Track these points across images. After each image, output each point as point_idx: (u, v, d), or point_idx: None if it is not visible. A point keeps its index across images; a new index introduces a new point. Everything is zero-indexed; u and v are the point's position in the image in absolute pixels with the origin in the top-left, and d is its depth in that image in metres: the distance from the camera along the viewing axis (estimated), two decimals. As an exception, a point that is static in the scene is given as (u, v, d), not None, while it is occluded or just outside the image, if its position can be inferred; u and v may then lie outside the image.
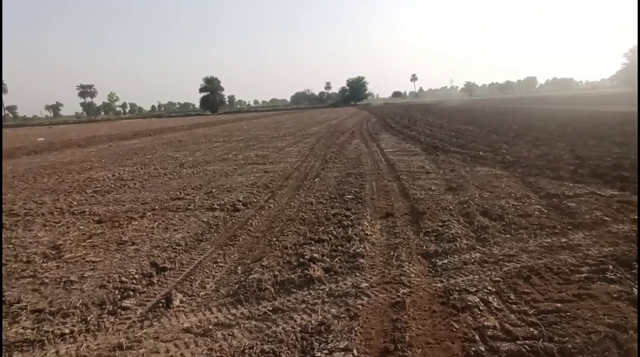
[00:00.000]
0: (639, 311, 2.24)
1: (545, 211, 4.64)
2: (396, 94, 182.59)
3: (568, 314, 2.51)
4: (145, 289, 3.27)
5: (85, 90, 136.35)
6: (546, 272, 3.14)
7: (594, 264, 3.20)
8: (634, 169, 6.31)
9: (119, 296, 3.15)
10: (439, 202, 5.20)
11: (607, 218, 4.23)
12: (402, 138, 13.69)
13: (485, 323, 2.46)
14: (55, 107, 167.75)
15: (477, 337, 2.33)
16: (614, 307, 2.55)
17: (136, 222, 5.15)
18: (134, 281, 3.41)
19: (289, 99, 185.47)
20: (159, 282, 3.38)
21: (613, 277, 2.95)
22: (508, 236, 3.96)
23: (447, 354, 2.21)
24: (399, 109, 48.83)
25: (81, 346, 2.52)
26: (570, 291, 2.82)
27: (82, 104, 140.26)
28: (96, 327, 2.73)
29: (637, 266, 3.09)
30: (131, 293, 3.18)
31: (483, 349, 2.22)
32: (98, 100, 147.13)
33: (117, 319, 2.82)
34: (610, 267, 3.10)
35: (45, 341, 2.58)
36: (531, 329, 2.38)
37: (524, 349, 2.18)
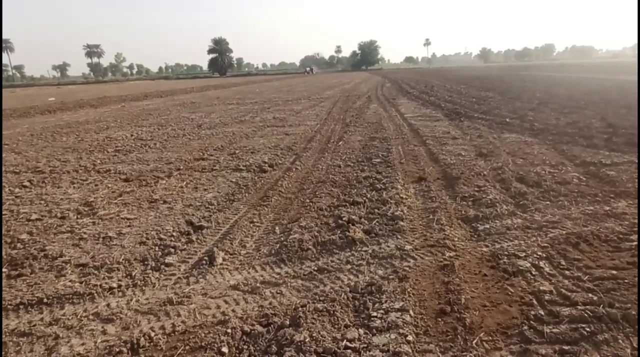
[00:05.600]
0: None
1: (584, 178, 4.51)
2: (408, 60, 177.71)
3: (626, 281, 2.45)
4: (185, 246, 3.26)
5: (92, 50, 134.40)
6: (594, 239, 3.06)
7: (643, 233, 3.11)
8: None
9: (160, 253, 3.15)
10: (471, 168, 5.08)
11: (650, 187, 4.09)
12: (422, 103, 13.35)
13: (541, 288, 2.40)
14: (62, 67, 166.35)
15: (534, 302, 2.28)
16: (673, 276, 2.48)
17: (164, 181, 5.12)
18: (173, 238, 3.40)
19: (298, 63, 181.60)
20: (198, 240, 3.36)
21: (668, 246, 2.86)
22: (548, 202, 3.86)
23: (506, 317, 2.18)
24: (413, 74, 47.59)
25: (131, 299, 2.53)
26: (623, 259, 2.74)
27: (89, 65, 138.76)
28: (143, 282, 2.73)
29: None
30: (172, 250, 3.17)
31: (542, 313, 2.18)
32: (105, 61, 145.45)
33: (162, 275, 2.82)
34: (664, 236, 3.01)
35: (95, 294, 2.59)
36: (589, 294, 2.32)
37: (585, 315, 2.13)
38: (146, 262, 3.01)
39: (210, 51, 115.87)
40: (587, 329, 2.03)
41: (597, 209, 3.64)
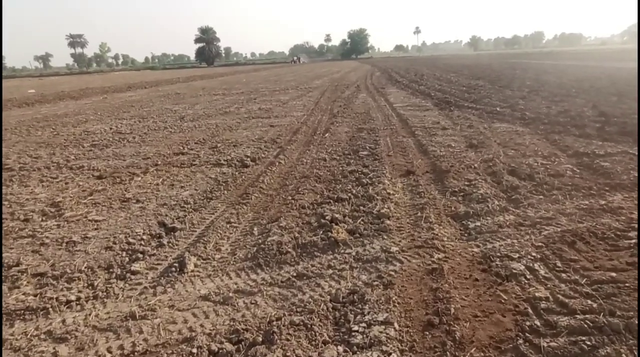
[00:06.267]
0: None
1: (577, 170, 4.35)
2: (398, 48, 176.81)
3: (626, 285, 2.28)
4: (155, 251, 3.01)
5: (75, 40, 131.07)
6: (590, 237, 2.89)
7: (641, 229, 2.95)
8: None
9: (127, 259, 2.90)
10: (461, 160, 4.88)
11: (646, 179, 3.94)
12: (411, 92, 13.11)
13: (536, 294, 2.22)
14: (44, 58, 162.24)
15: (529, 310, 2.10)
16: (676, 278, 2.32)
17: (139, 178, 4.84)
18: (142, 242, 3.15)
19: (287, 52, 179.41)
20: (170, 244, 3.12)
21: (668, 243, 2.70)
22: (541, 197, 3.68)
23: (499, 329, 1.99)
24: (403, 62, 47.21)
25: (89, 314, 2.29)
26: (622, 259, 2.58)
27: (72, 55, 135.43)
28: (105, 293, 2.49)
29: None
30: (140, 256, 2.93)
31: (539, 323, 1.99)
32: (89, 51, 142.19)
33: (127, 285, 2.59)
34: (663, 232, 2.85)
35: (50, 309, 2.34)
36: (588, 301, 2.14)
37: (585, 325, 1.95)
38: (111, 270, 2.77)
39: (197, 40, 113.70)
40: (588, 342, 1.84)
41: (592, 204, 3.47)
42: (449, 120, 7.65)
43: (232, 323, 2.15)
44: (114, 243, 3.15)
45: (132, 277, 2.67)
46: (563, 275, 2.42)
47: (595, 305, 2.10)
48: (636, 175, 4.04)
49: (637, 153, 4.77)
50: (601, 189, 3.78)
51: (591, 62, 26.55)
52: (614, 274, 2.39)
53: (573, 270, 2.47)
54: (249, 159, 5.43)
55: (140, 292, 2.50)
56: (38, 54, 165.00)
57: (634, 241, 2.78)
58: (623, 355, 1.77)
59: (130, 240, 3.18)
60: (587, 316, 2.02)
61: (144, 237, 3.24)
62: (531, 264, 2.54)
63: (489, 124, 7.11)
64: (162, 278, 2.64)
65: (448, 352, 1.85)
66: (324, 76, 25.90)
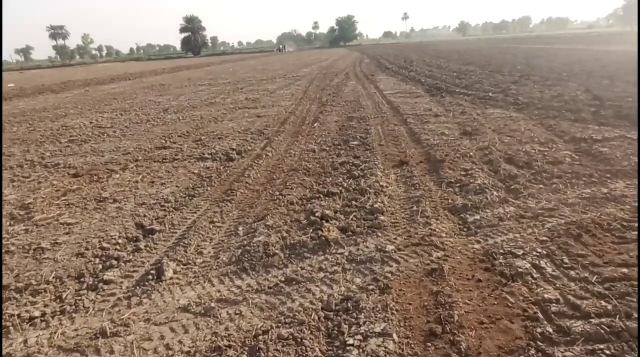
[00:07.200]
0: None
1: (576, 157, 4.19)
2: (387, 34, 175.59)
3: (640, 281, 2.11)
4: (130, 256, 2.78)
5: (56, 32, 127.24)
6: (596, 228, 2.72)
7: (648, 218, 2.79)
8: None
9: (100, 266, 2.66)
10: (456, 149, 4.69)
11: (647, 164, 3.79)
12: (401, 79, 12.85)
13: (545, 295, 2.04)
14: (25, 51, 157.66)
15: (539, 315, 1.92)
16: (692, 273, 2.16)
17: (117, 176, 4.56)
18: (117, 247, 2.91)
19: (274, 41, 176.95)
20: (147, 248, 2.88)
21: (679, 234, 2.55)
22: (541, 186, 3.51)
23: (507, 338, 1.81)
24: (392, 49, 46.73)
25: (55, 332, 2.06)
26: (632, 252, 2.41)
27: (54, 47, 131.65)
28: (73, 307, 2.26)
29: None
30: (114, 262, 2.69)
31: (551, 330, 1.82)
32: (71, 43, 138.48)
33: (98, 296, 2.35)
34: (673, 222, 2.69)
35: (11, 328, 2.11)
36: (602, 302, 1.97)
37: (601, 330, 1.78)
38: (82, 280, 2.53)
39: (182, 30, 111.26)
40: (607, 352, 1.68)
41: (594, 192, 3.31)
42: (441, 107, 7.45)
43: (213, 338, 1.94)
44: (86, 249, 2.90)
45: (105, 287, 2.44)
46: (572, 272, 2.25)
47: (609, 307, 1.93)
48: (637, 160, 3.89)
49: (637, 137, 4.62)
50: (602, 176, 3.62)
51: (579, 46, 26.50)
52: (625, 270, 2.22)
53: (582, 266, 2.30)
54: (234, 152, 5.17)
55: (113, 305, 2.27)
56: (18, 47, 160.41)
57: (642, 232, 2.62)
58: (646, 365, 1.61)
59: (105, 245, 2.94)
60: (602, 319, 1.86)
61: (120, 241, 2.99)
62: (537, 261, 2.36)
63: (482, 110, 6.92)
64: (138, 287, 2.41)
65: (453, 367, 1.67)
66: (312, 64, 25.46)
